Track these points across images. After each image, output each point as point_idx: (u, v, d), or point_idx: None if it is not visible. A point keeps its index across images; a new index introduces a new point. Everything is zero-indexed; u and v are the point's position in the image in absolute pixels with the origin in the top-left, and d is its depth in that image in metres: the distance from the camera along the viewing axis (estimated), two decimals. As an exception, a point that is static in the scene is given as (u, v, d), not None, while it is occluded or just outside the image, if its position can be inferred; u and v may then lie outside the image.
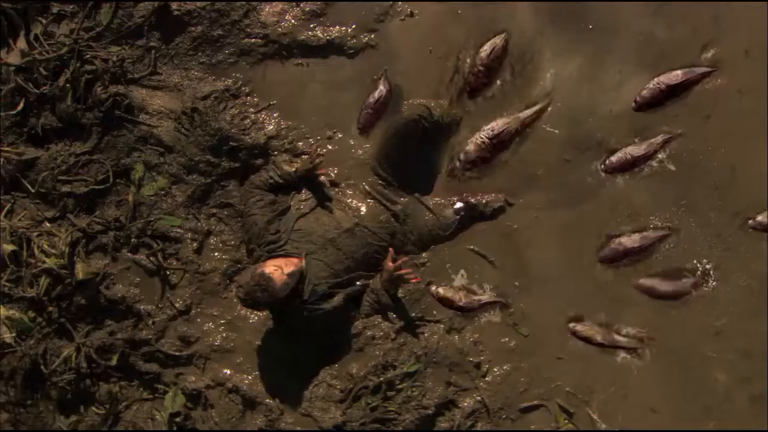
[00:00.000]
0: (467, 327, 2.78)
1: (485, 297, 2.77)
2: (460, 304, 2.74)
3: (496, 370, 2.76)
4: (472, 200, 2.77)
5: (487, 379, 2.76)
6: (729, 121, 2.73)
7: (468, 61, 2.78)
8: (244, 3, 2.80)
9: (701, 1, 2.72)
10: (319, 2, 2.81)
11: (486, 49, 2.74)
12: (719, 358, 2.74)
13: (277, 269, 2.44)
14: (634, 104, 2.71)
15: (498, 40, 2.74)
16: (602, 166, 2.73)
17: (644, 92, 2.68)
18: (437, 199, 2.81)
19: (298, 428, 2.73)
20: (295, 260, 2.57)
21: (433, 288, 2.77)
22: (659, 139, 2.68)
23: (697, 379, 2.74)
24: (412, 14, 2.81)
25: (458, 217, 2.74)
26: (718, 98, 2.72)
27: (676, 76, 2.67)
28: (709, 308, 2.75)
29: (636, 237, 2.72)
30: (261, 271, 2.43)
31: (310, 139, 2.83)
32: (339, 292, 2.65)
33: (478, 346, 2.76)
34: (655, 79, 2.68)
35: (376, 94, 2.79)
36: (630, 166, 2.71)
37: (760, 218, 2.68)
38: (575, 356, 2.77)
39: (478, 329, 2.78)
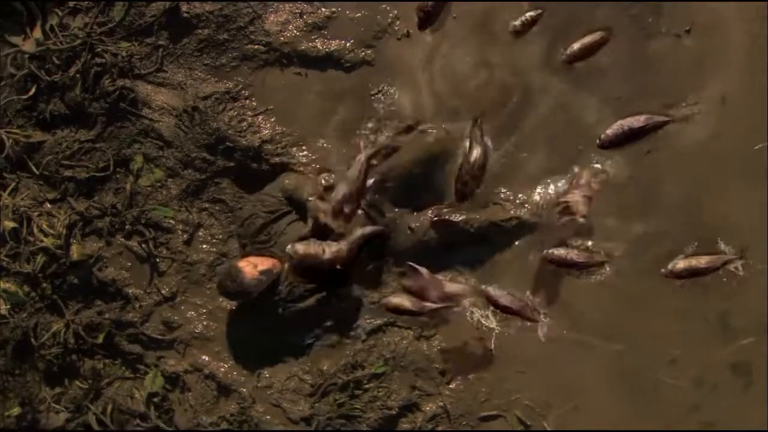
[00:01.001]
0: (436, 335, 2.92)
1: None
2: (411, 308, 2.82)
3: (459, 378, 2.91)
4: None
5: (450, 386, 2.90)
6: (702, 161, 2.86)
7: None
8: (250, 11, 2.94)
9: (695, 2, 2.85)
10: (321, 16, 2.94)
11: (473, 159, 2.78)
12: (673, 384, 2.87)
13: (250, 265, 2.61)
14: (598, 141, 2.84)
15: (477, 151, 2.79)
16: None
17: (609, 131, 2.82)
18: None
19: (268, 417, 2.89)
20: (274, 260, 2.72)
21: (384, 299, 2.87)
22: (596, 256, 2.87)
23: (650, 401, 2.88)
24: (408, 34, 2.94)
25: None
26: (693, 140, 2.86)
27: (638, 120, 2.81)
28: (667, 337, 2.89)
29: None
30: (235, 264, 2.61)
31: (303, 146, 2.97)
32: (315, 295, 2.80)
33: (444, 356, 2.90)
34: (620, 121, 2.81)
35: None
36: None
37: (670, 266, 2.83)
38: (537, 371, 2.91)
39: (446, 338, 2.92)
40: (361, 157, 2.69)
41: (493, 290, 2.84)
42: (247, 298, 2.76)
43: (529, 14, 2.86)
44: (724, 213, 2.85)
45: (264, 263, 2.68)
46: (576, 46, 2.84)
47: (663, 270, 2.82)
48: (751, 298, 2.87)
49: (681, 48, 2.87)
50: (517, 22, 2.86)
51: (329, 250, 2.69)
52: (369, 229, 2.78)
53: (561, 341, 2.89)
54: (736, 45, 2.86)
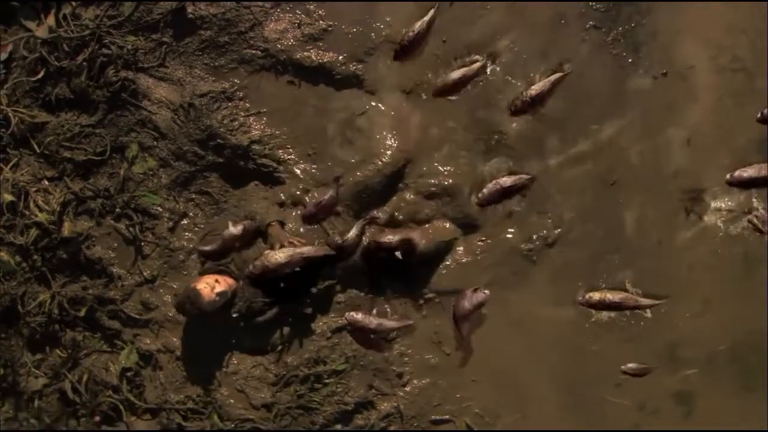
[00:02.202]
0: (397, 339, 3.08)
1: (393, 323, 3.03)
2: (371, 327, 3.00)
3: (416, 382, 3.08)
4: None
5: (406, 388, 3.08)
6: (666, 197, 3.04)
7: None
8: (252, 17, 3.10)
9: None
10: (318, 28, 3.10)
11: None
12: (617, 403, 3.03)
13: (207, 287, 2.78)
14: (476, 200, 3.05)
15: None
16: None
17: (485, 191, 3.04)
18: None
19: (231, 401, 3.07)
20: (230, 281, 2.90)
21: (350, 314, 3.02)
22: None
23: (593, 417, 3.05)
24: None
25: None
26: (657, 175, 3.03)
27: (505, 182, 3.02)
28: (616, 360, 3.04)
29: None
30: (193, 286, 2.78)
31: (290, 150, 3.13)
32: (273, 309, 2.98)
33: (404, 358, 3.07)
34: (494, 180, 3.03)
35: (326, 198, 2.99)
36: None
37: (587, 296, 3.00)
38: (489, 381, 3.07)
39: (406, 343, 3.09)
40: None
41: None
42: (204, 315, 2.90)
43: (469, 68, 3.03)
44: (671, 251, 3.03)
45: (220, 284, 2.83)
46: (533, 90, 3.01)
47: (579, 298, 2.98)
48: (700, 332, 3.03)
49: (656, 89, 3.04)
50: (456, 75, 3.03)
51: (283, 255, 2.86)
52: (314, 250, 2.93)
53: (516, 354, 3.06)
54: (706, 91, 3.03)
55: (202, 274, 3.03)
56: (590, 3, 3.05)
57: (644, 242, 3.02)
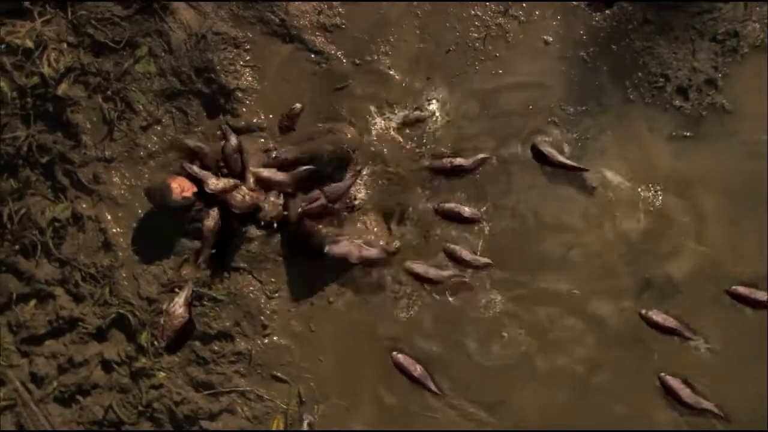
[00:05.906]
0: (277, 294, 3.49)
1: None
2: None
3: (275, 338, 3.49)
4: None
5: (265, 340, 3.49)
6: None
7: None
8: (283, -9, 3.56)
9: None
10: (332, 22, 3.54)
11: None
12: (429, 417, 3.39)
13: (179, 188, 3.26)
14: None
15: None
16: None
17: (436, 163, 3.47)
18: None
19: (125, 283, 3.54)
20: (195, 188, 3.36)
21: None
22: None
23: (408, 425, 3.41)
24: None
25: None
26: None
27: (460, 162, 3.43)
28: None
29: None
30: (168, 182, 3.25)
31: (265, 108, 3.57)
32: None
33: (273, 315, 3.49)
34: (447, 158, 3.46)
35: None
36: None
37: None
38: (333, 366, 3.47)
39: (282, 303, 3.50)
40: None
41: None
42: (163, 209, 3.41)
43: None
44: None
45: (189, 190, 3.30)
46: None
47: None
48: (524, 400, 3.39)
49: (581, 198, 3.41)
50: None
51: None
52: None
53: (359, 352, 3.47)
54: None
55: (180, 174, 3.44)
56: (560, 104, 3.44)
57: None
